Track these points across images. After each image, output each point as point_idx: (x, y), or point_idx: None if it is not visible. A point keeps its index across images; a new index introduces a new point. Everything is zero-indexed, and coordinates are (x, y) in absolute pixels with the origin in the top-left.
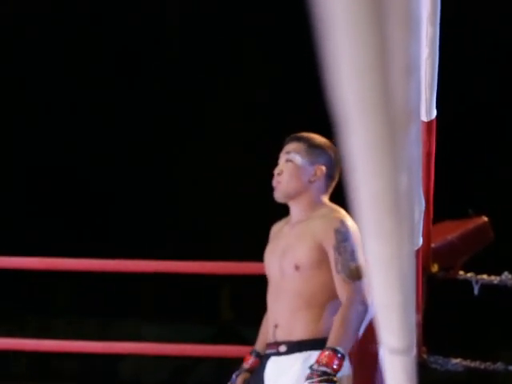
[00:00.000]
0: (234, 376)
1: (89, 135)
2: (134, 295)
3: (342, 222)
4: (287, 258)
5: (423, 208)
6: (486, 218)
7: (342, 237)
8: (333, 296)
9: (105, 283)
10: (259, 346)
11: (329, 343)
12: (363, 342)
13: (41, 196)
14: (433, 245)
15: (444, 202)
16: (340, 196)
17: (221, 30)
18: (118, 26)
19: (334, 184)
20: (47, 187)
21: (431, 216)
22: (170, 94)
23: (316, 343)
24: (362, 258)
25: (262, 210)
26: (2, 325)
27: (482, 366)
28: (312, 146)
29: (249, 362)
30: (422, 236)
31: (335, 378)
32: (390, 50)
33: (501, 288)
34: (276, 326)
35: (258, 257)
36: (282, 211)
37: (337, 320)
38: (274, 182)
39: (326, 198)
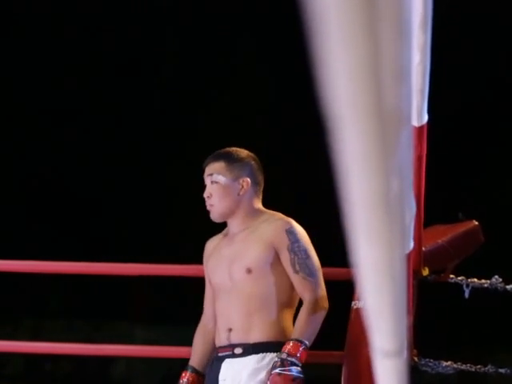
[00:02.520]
0: None
1: (76, 140)
2: (125, 298)
3: (291, 224)
4: (237, 264)
5: (414, 212)
6: (476, 222)
7: (294, 237)
8: (284, 296)
9: (97, 286)
10: (194, 361)
11: (294, 335)
12: (357, 345)
13: (33, 200)
14: (424, 248)
15: (435, 205)
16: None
17: (217, 32)
18: (117, 30)
19: (261, 188)
20: (39, 192)
21: (422, 220)
22: (165, 96)
23: (272, 346)
24: (315, 255)
25: None
26: None
27: (473, 369)
28: (231, 162)
29: (185, 377)
30: (413, 240)
31: (301, 370)
32: (381, 55)
33: (491, 291)
34: (230, 330)
35: None
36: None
37: (302, 315)
38: (207, 206)
39: (259, 204)
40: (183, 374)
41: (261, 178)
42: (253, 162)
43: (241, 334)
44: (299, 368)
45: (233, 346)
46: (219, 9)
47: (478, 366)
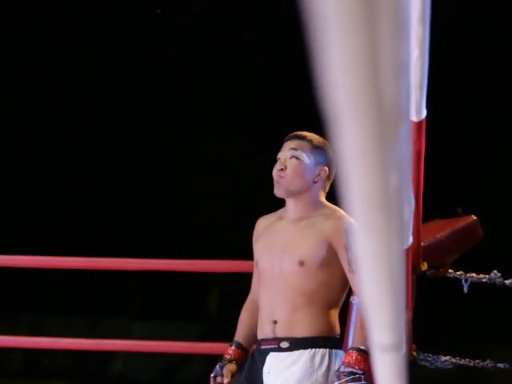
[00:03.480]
0: (217, 367)
1: (78, 136)
2: (124, 293)
3: (351, 223)
4: (290, 254)
5: (413, 207)
6: (475, 217)
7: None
8: (334, 294)
9: (95, 281)
10: (240, 336)
11: (353, 344)
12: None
13: (33, 195)
14: (423, 243)
15: (434, 200)
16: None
17: (217, 28)
18: (115, 28)
19: (330, 182)
20: (40, 187)
21: (421, 215)
22: (166, 93)
23: (319, 341)
24: None
25: (248, 209)
26: None
27: (472, 364)
28: (316, 146)
29: (230, 352)
30: (412, 234)
31: (362, 376)
32: (380, 51)
33: (490, 286)
34: (275, 322)
35: (246, 255)
36: (267, 210)
37: (359, 320)
38: (276, 177)
39: (323, 197)
40: (227, 350)
41: (333, 174)
42: (333, 154)
43: (287, 327)
44: (358, 375)
45: (278, 340)
46: (219, 7)
47: (477, 361)
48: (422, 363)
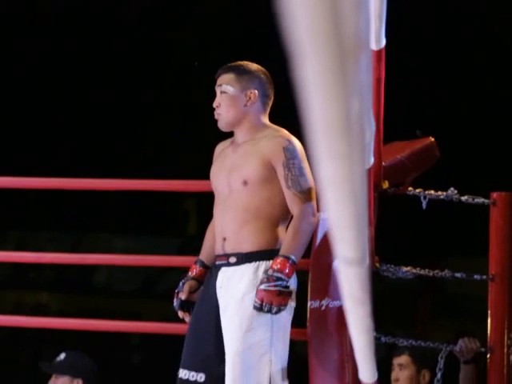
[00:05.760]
0: (180, 284)
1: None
2: (106, 211)
3: (289, 141)
4: (235, 175)
5: (374, 129)
6: (432, 139)
7: (291, 154)
8: (278, 210)
9: (79, 200)
10: (203, 255)
11: (281, 251)
12: (318, 254)
13: (17, 117)
14: (384, 163)
15: (394, 124)
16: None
17: None
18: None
19: (270, 102)
20: (24, 110)
21: (381, 137)
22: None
23: (264, 254)
24: (309, 174)
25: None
26: None
27: (431, 274)
28: (241, 74)
29: (194, 270)
30: (374, 156)
31: (287, 284)
32: None
33: (447, 202)
34: (224, 239)
35: None
36: None
37: (290, 230)
38: (215, 115)
39: (266, 119)
40: (192, 267)
41: (270, 92)
42: (263, 76)
43: (234, 243)
44: (285, 282)
45: (227, 256)
46: None
47: (436, 271)
48: (385, 274)
